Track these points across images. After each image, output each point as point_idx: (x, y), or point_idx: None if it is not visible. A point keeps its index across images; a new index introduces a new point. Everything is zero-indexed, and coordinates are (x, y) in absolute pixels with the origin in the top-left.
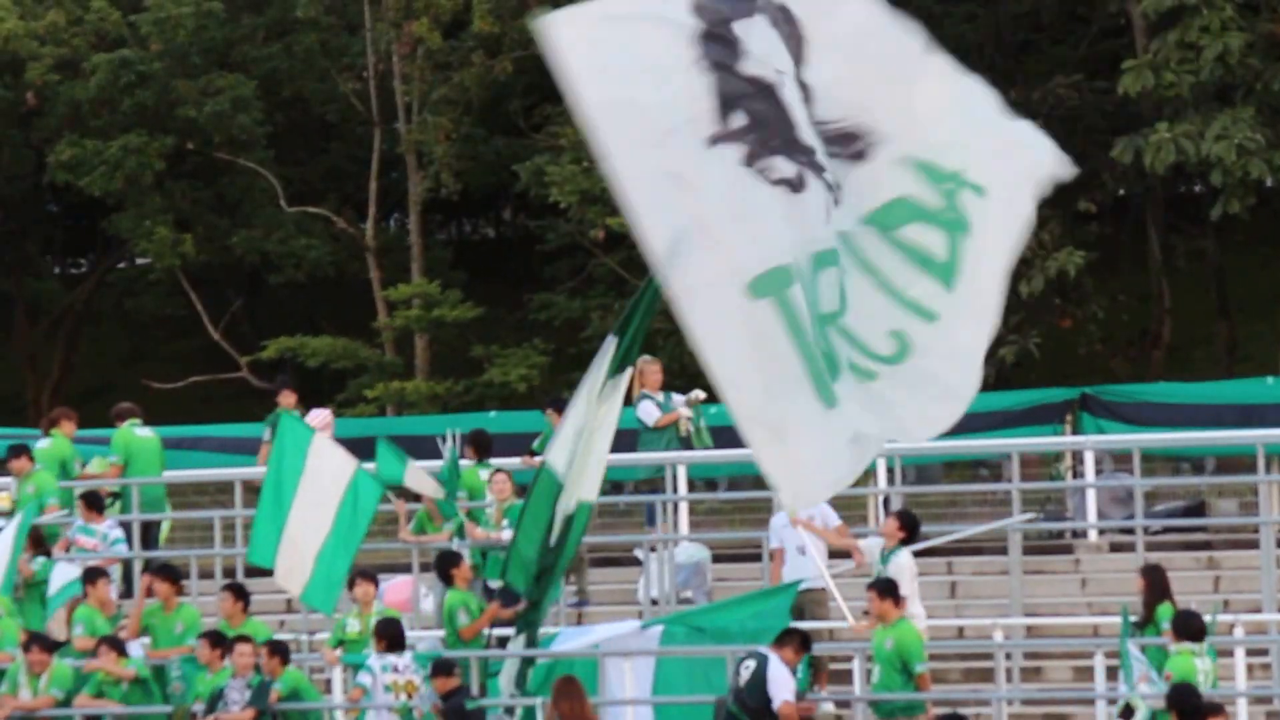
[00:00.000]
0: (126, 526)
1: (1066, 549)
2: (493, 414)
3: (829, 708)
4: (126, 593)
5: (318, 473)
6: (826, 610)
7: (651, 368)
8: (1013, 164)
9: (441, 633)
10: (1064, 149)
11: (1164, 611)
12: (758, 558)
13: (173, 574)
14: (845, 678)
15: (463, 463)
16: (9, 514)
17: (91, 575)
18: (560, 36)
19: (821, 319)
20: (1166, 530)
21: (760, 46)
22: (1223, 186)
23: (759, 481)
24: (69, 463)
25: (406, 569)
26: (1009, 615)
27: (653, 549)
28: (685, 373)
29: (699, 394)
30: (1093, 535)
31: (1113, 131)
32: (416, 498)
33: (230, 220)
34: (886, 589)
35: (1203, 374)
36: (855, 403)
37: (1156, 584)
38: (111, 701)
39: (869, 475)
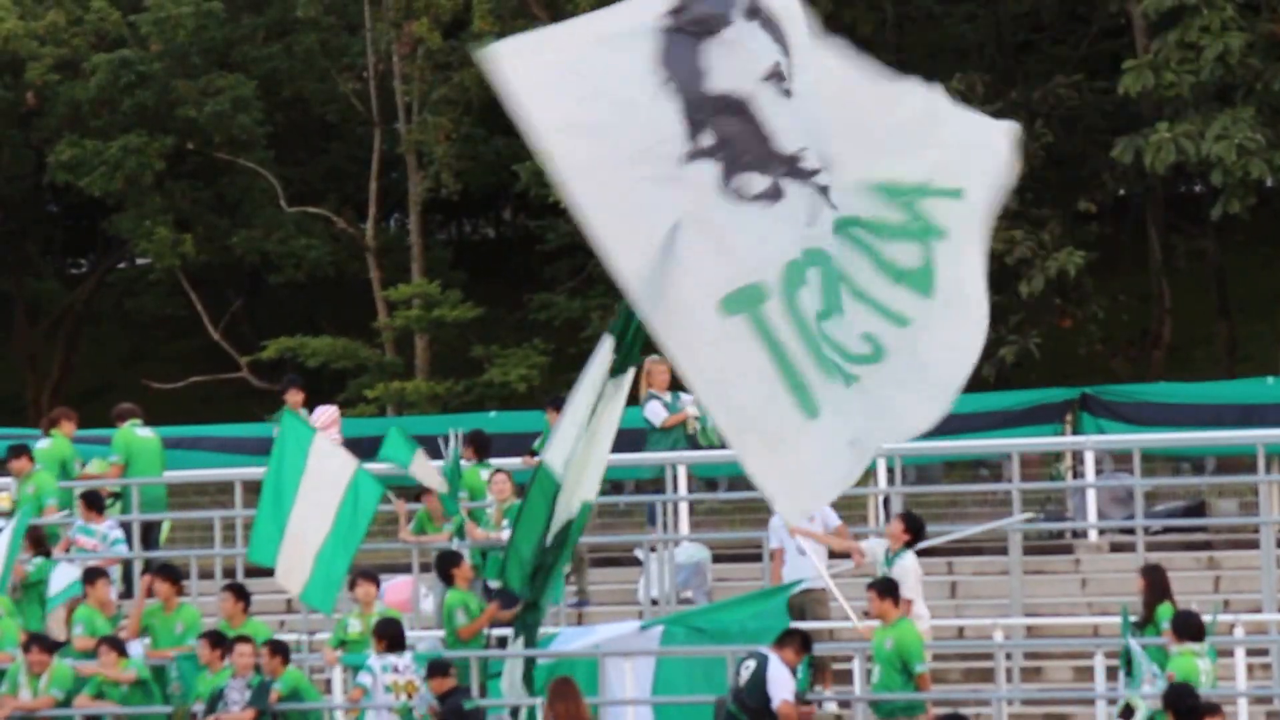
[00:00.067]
0: (126, 527)
1: (1067, 549)
2: (493, 414)
3: (832, 707)
4: (126, 593)
5: (319, 472)
6: (827, 610)
7: (659, 368)
8: (980, 157)
9: (441, 633)
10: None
11: (1164, 611)
12: (758, 558)
13: (173, 574)
14: (845, 678)
15: (462, 463)
16: (9, 514)
17: (91, 576)
18: (507, 65)
19: (818, 316)
20: (1167, 530)
21: (733, 59)
22: (1223, 186)
23: None
24: (69, 463)
25: (406, 569)
26: (1009, 615)
27: (653, 549)
28: None
29: None
30: (1093, 535)
31: (1113, 131)
32: (417, 498)
33: (230, 220)
34: (886, 589)
35: (1203, 374)
36: (840, 409)
37: (1157, 584)
38: (111, 702)
39: (869, 475)
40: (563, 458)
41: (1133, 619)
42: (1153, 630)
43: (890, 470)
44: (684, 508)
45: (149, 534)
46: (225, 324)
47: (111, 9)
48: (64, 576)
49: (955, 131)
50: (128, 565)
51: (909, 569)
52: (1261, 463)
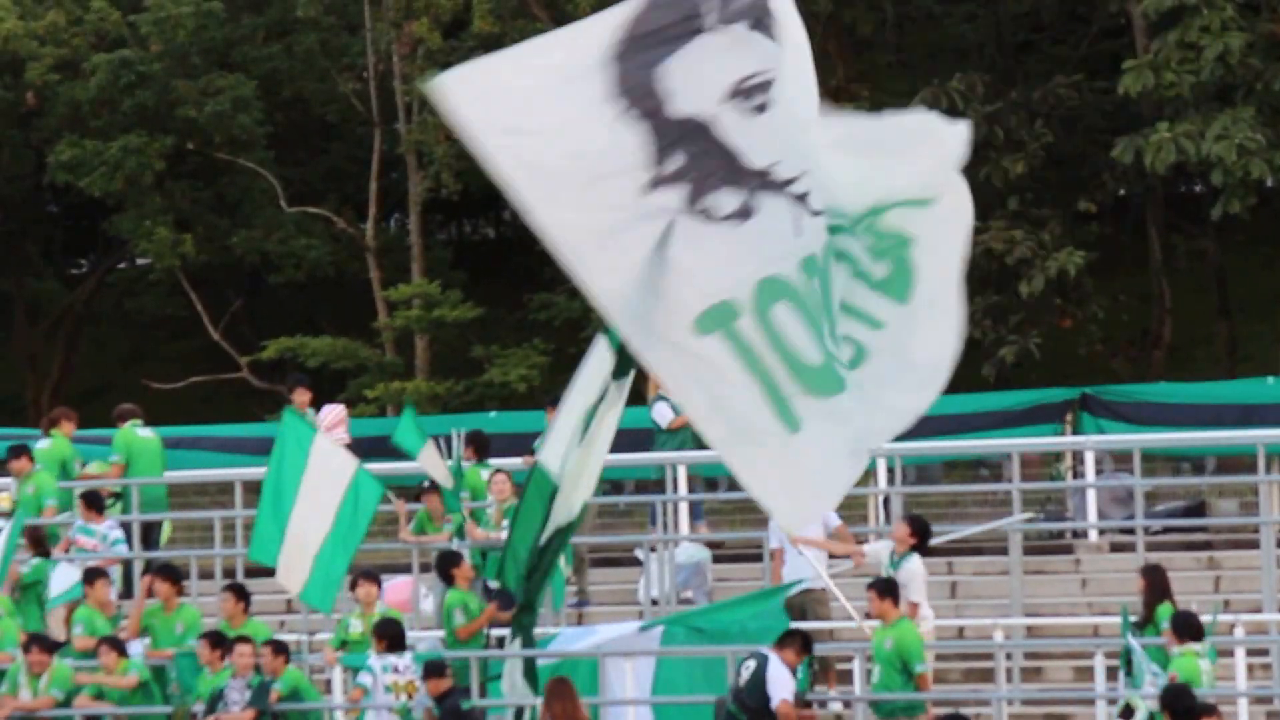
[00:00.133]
0: (127, 527)
1: (1067, 549)
2: (493, 414)
3: (836, 707)
4: (126, 593)
5: (319, 471)
6: (828, 610)
7: None
8: (937, 157)
9: (441, 633)
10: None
11: (1164, 611)
12: (758, 558)
13: (173, 574)
14: (846, 678)
15: (463, 463)
16: (9, 514)
17: (91, 576)
18: (457, 97)
19: (845, 309)
20: (1167, 530)
21: (693, 81)
22: (1223, 186)
23: None
24: (69, 463)
25: (406, 569)
26: (1009, 615)
27: (653, 549)
28: None
29: None
30: (1093, 535)
31: (1113, 131)
32: (417, 498)
33: (230, 220)
34: (886, 589)
35: (1203, 374)
36: (830, 417)
37: (1157, 584)
38: (111, 702)
39: (869, 475)
40: (558, 458)
41: (1133, 619)
42: (1153, 630)
43: (890, 470)
44: (684, 507)
45: (149, 534)
46: (225, 324)
47: (111, 9)
48: (65, 577)
49: (902, 141)
50: (128, 565)
51: (915, 572)
52: (1262, 463)
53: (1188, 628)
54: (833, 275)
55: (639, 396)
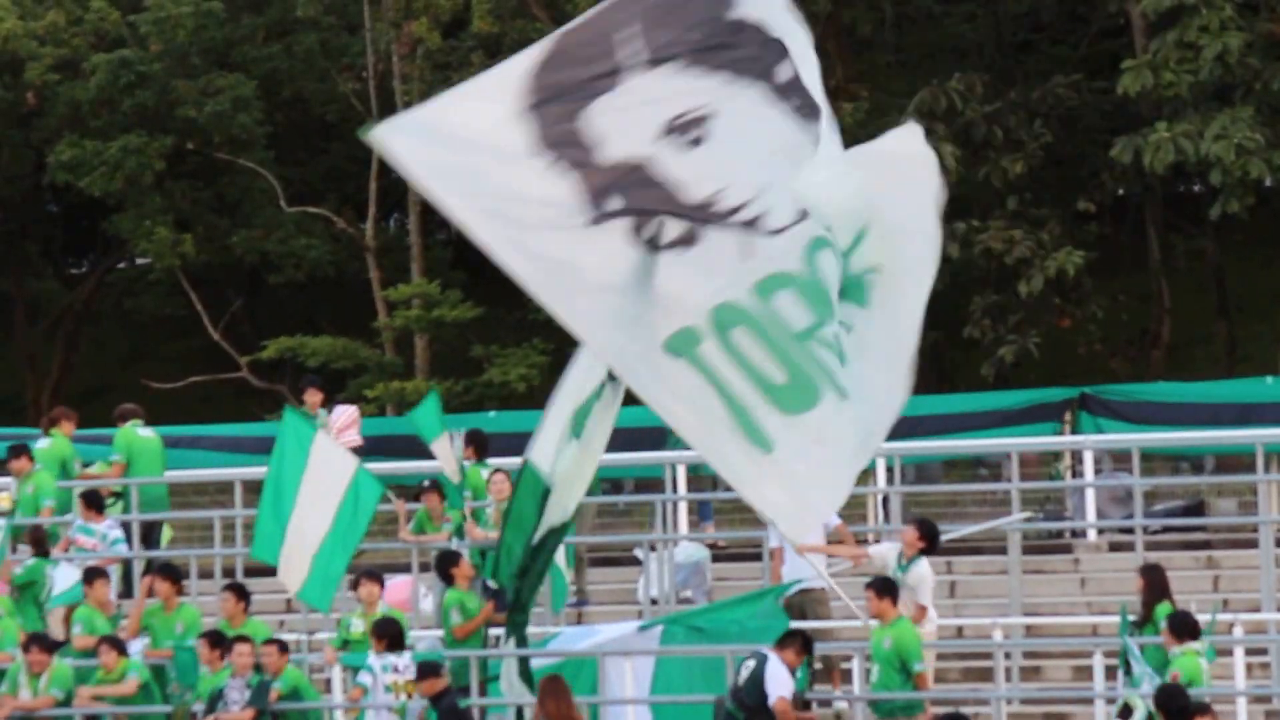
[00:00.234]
0: (127, 527)
1: (1066, 548)
2: (492, 414)
3: (842, 706)
4: (126, 592)
5: (319, 470)
6: (828, 610)
7: None
8: (905, 180)
9: (441, 632)
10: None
11: (1163, 611)
12: (757, 557)
13: (174, 574)
14: (845, 677)
15: (464, 463)
16: (9, 514)
17: (90, 576)
18: (397, 147)
19: (799, 336)
20: (1166, 530)
21: (625, 121)
22: (1222, 186)
23: None
24: (69, 462)
25: (406, 569)
26: (1008, 615)
27: (652, 548)
28: None
29: None
30: (1092, 535)
31: (1112, 131)
32: (416, 497)
33: (230, 220)
34: (884, 588)
35: (1202, 374)
36: (800, 433)
37: (1155, 583)
38: (111, 702)
39: (868, 475)
40: (549, 456)
41: (1131, 618)
42: (1151, 629)
43: (889, 469)
44: (683, 507)
45: (149, 534)
46: (225, 324)
47: (111, 9)
48: (67, 577)
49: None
50: (127, 565)
51: (924, 576)
52: (1260, 462)
53: (1185, 627)
54: (824, 273)
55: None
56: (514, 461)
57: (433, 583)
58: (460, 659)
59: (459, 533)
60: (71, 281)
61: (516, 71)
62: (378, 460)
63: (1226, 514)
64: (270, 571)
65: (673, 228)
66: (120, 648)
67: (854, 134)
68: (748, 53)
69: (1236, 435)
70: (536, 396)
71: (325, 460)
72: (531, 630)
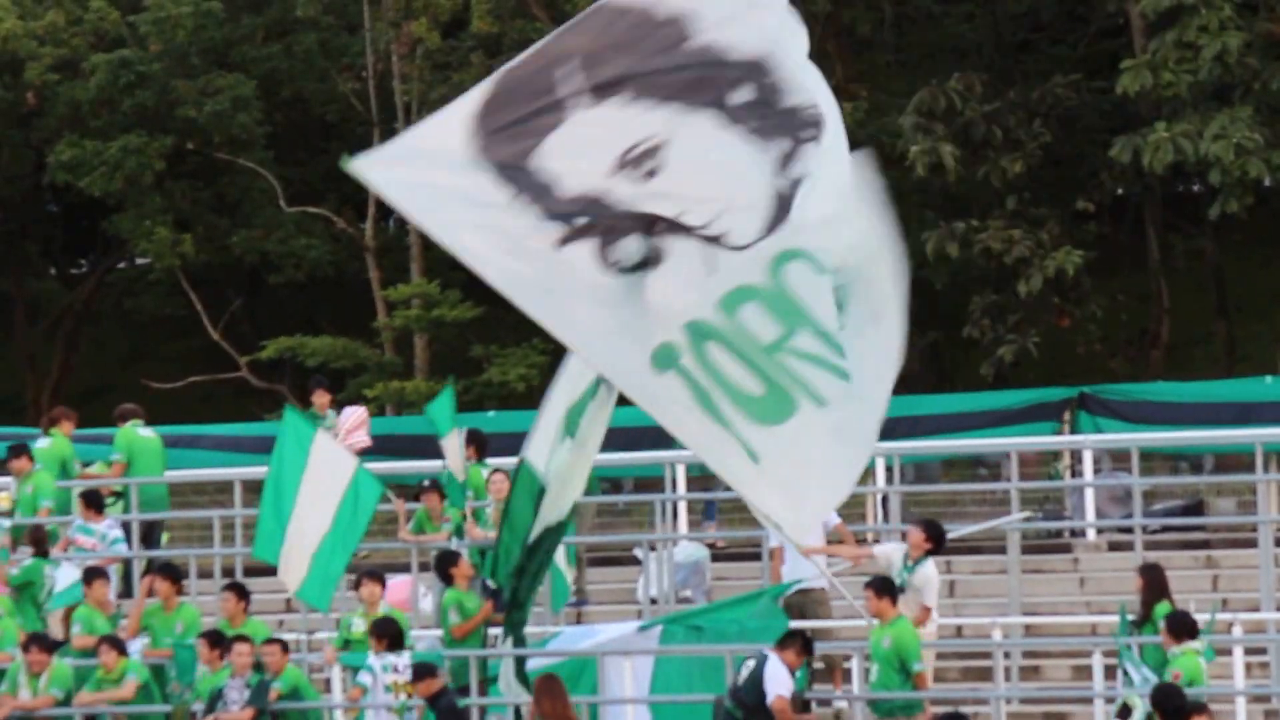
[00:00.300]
0: (127, 526)
1: (1065, 548)
2: (492, 414)
3: (843, 706)
4: (126, 592)
5: (319, 470)
6: (828, 610)
7: None
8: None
9: (440, 632)
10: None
11: (1162, 610)
12: (757, 556)
13: (174, 573)
14: (844, 676)
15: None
16: (9, 514)
17: (90, 575)
18: (377, 179)
19: (769, 349)
20: (1165, 529)
21: (576, 159)
22: (1221, 186)
23: None
24: (69, 462)
25: (406, 569)
26: (1007, 614)
27: (652, 548)
28: None
29: None
30: (1091, 534)
31: (1111, 131)
32: (416, 497)
33: (230, 220)
34: (884, 588)
35: (1201, 373)
36: (778, 441)
37: (1155, 583)
38: (110, 701)
39: (868, 474)
40: (544, 455)
41: (1131, 618)
42: (1150, 629)
43: (889, 469)
44: (683, 507)
45: (150, 533)
46: (225, 324)
47: (111, 9)
48: (68, 577)
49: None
50: (127, 564)
51: (930, 577)
52: (1259, 461)
53: (1183, 627)
54: (792, 285)
55: None
56: (513, 461)
57: (432, 582)
58: (460, 659)
59: (458, 532)
60: (71, 281)
61: (461, 116)
62: (377, 460)
63: (1225, 513)
64: (270, 571)
65: (636, 249)
66: (120, 647)
67: (854, 134)
68: (697, 79)
69: (1235, 435)
70: (536, 396)
71: (325, 460)
72: (531, 630)
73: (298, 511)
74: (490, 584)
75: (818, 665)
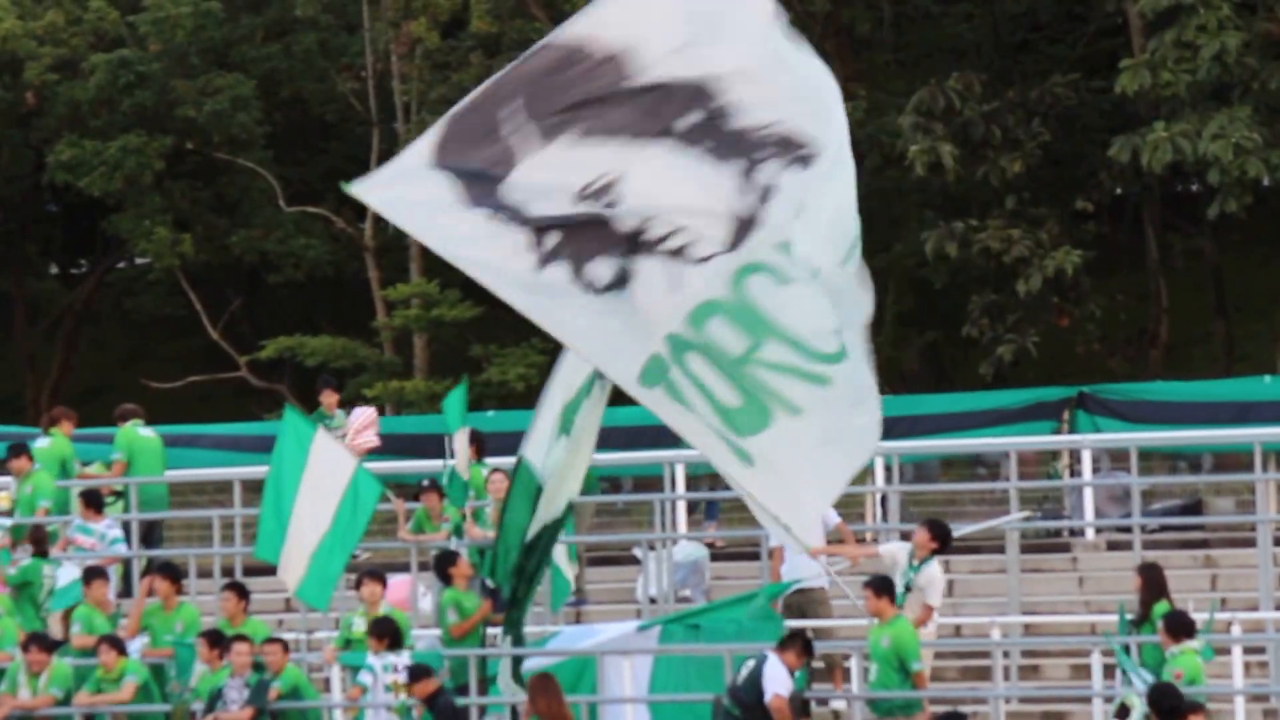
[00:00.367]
0: (127, 526)
1: (1064, 547)
2: (491, 413)
3: (842, 705)
4: (126, 592)
5: (319, 469)
6: (828, 609)
7: None
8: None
9: (439, 631)
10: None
11: (1160, 610)
12: (756, 556)
13: (173, 573)
14: (844, 676)
15: None
16: (8, 514)
17: (89, 575)
18: (375, 202)
19: (738, 361)
20: (1164, 529)
21: (540, 188)
22: (1220, 186)
23: None
24: (69, 462)
25: (405, 568)
26: (1006, 613)
27: (651, 547)
28: None
29: None
30: (1090, 534)
31: (1110, 131)
32: (415, 496)
33: (229, 220)
34: (883, 587)
35: (1200, 373)
36: (761, 448)
37: (1153, 582)
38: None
39: (867, 473)
40: (541, 454)
41: (1129, 617)
42: (1149, 628)
43: (888, 468)
44: (682, 506)
45: (150, 533)
46: (224, 324)
47: (110, 9)
48: (68, 577)
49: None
50: (127, 564)
51: (935, 577)
52: (1258, 461)
53: (1181, 626)
54: (754, 297)
55: None
56: (512, 461)
57: (431, 582)
58: (459, 658)
59: (457, 532)
60: (71, 281)
61: (423, 152)
62: (376, 459)
63: (1224, 513)
64: (270, 571)
65: (605, 270)
66: (120, 647)
67: (853, 133)
68: (643, 111)
69: (1234, 434)
70: (535, 396)
71: (325, 459)
72: (531, 629)
73: (297, 511)
74: (489, 583)
75: (817, 665)
